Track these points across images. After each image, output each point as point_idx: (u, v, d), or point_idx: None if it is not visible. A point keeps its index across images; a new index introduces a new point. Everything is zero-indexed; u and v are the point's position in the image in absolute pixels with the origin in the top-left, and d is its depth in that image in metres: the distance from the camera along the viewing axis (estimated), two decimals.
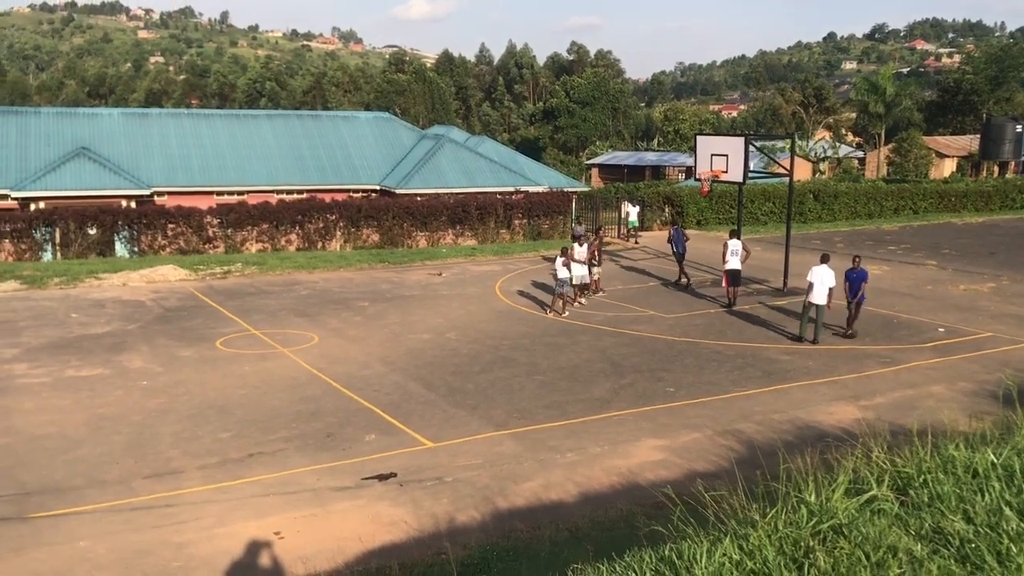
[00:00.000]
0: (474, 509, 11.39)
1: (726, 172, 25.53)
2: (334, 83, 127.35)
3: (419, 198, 39.38)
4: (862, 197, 47.61)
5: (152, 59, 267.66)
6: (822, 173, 75.69)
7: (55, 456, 13.10)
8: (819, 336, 20.32)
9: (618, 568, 4.11)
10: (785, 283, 26.49)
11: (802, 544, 4.04)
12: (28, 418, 14.81)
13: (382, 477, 12.39)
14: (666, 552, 4.16)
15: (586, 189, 57.07)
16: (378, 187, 44.10)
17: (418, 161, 44.88)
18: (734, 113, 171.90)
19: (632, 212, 38.73)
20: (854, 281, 20.64)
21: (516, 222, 39.19)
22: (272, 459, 13.06)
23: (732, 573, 3.85)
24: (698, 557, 4.00)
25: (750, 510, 4.56)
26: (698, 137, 26.80)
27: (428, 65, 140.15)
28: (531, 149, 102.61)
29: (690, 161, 26.85)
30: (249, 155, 44.50)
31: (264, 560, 10.01)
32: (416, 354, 19.17)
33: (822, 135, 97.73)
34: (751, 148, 28.45)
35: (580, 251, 24.28)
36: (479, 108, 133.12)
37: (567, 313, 23.09)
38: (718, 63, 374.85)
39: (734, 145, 25.65)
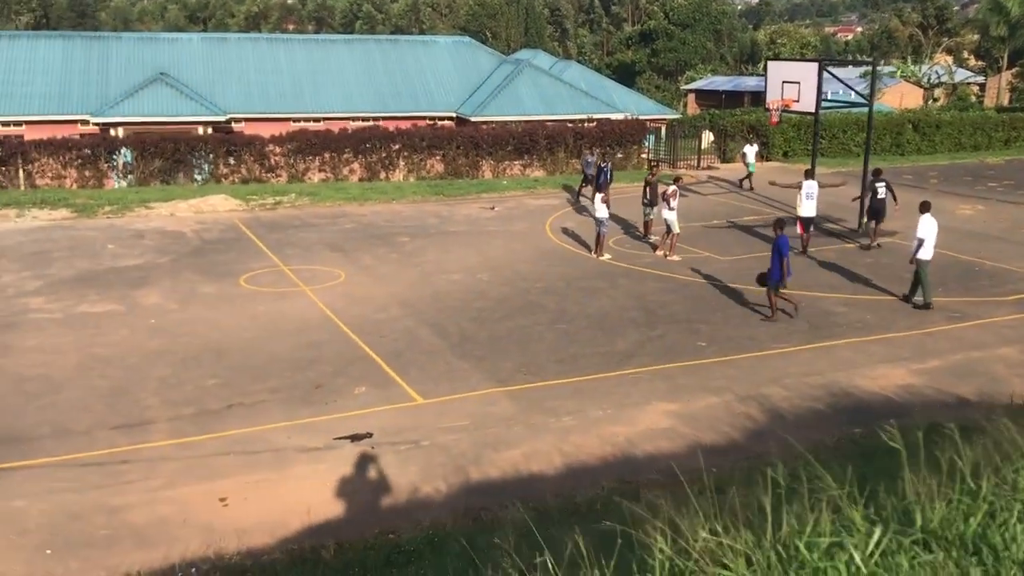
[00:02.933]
0: (442, 480, 10.41)
1: (797, 101, 23.30)
2: (430, 5, 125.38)
3: (484, 127, 37.93)
4: (967, 127, 43.79)
5: None
6: (936, 100, 70.60)
7: (31, 401, 12.63)
8: (930, 297, 17.44)
9: None
10: (860, 224, 24.31)
11: None
12: (23, 357, 14.42)
13: (356, 438, 11.50)
14: None
15: (676, 116, 54.47)
16: (454, 114, 42.89)
17: (495, 88, 43.39)
18: (849, 36, 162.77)
19: (750, 153, 32.60)
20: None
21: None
22: (249, 412, 12.32)
23: None
24: None
25: None
26: (768, 63, 24.58)
27: None
28: (627, 74, 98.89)
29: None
30: (326, 81, 43.73)
31: (196, 532, 9.25)
32: (440, 296, 18.15)
33: (941, 59, 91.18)
34: (833, 75, 26.09)
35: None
36: (576, 31, 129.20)
37: (607, 256, 21.58)
38: None
39: (807, 71, 23.35)
